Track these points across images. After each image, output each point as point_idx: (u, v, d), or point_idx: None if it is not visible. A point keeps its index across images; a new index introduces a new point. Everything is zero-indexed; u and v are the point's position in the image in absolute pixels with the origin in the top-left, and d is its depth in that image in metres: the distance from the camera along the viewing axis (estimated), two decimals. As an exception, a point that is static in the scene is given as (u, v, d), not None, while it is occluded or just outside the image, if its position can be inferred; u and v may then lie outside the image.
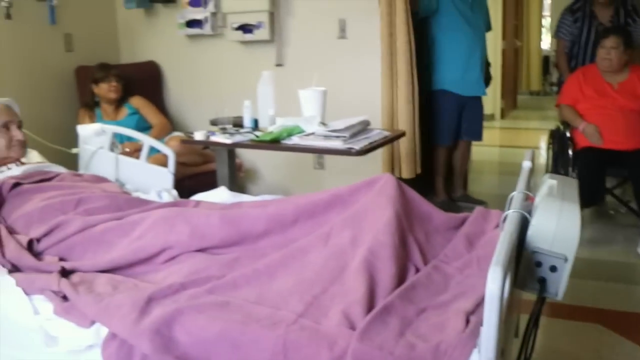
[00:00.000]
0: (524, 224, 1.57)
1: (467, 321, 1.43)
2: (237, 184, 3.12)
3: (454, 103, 4.26)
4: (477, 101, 4.38)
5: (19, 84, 3.89)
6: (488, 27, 4.52)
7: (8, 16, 3.76)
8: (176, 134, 4.12)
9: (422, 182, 3.99)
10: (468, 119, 4.36)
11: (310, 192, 3.99)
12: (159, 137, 3.68)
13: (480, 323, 1.24)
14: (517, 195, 1.72)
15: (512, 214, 1.56)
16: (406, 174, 3.84)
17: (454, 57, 4.17)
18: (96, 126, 2.90)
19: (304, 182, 4.22)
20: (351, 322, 1.45)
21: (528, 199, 1.78)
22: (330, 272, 1.65)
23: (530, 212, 1.62)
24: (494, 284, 1.17)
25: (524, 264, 1.55)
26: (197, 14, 4.23)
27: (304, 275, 1.65)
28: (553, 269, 1.54)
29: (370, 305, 1.52)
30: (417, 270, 1.74)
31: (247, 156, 4.24)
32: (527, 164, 2.02)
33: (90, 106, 4.04)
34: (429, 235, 1.92)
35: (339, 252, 1.72)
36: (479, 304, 1.49)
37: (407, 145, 3.79)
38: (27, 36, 3.97)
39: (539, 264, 1.55)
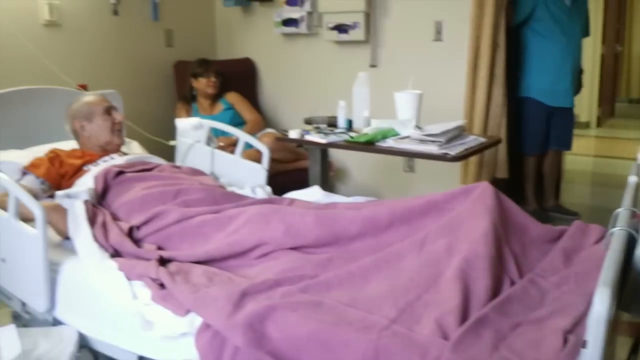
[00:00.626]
0: (630, 243, 1.50)
1: (565, 340, 1.38)
2: (327, 183, 3.13)
3: (541, 112, 4.10)
4: (566, 110, 4.20)
5: (122, 77, 4.05)
6: (586, 33, 4.33)
7: (115, 12, 3.92)
8: (269, 130, 4.18)
9: (511, 190, 3.89)
10: (557, 127, 4.19)
11: (399, 194, 4.04)
12: (252, 133, 3.73)
13: (579, 343, 1.20)
14: (623, 212, 1.65)
15: (618, 231, 1.50)
16: (487, 177, 3.76)
17: (543, 66, 4.02)
18: (194, 120, 2.98)
19: (393, 184, 4.19)
20: (444, 331, 1.43)
21: (635, 217, 1.70)
22: (425, 280, 1.63)
23: (637, 231, 1.55)
24: (602, 305, 1.12)
25: (630, 285, 1.48)
26: (294, 13, 4.28)
27: (397, 281, 1.64)
28: (662, 291, 1.48)
29: (464, 316, 1.49)
30: (512, 283, 1.70)
31: (337, 156, 4.25)
32: (633, 179, 1.93)
33: (187, 100, 4.16)
34: (525, 248, 1.87)
35: (434, 260, 1.70)
36: (578, 322, 1.45)
37: (498, 152, 3.71)
38: (131, 31, 4.14)
39: (646, 286, 1.48)
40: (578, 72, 4.30)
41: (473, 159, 3.72)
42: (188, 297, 1.65)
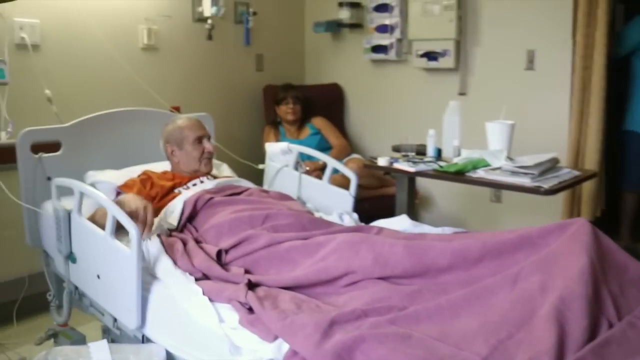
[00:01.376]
0: None
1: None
2: (413, 211, 3.10)
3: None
4: None
5: (213, 100, 4.18)
6: None
7: (209, 37, 4.05)
8: (355, 156, 4.20)
9: (605, 225, 3.74)
10: None
11: (486, 224, 3.96)
12: (338, 159, 3.76)
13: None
14: None
15: None
16: (585, 214, 3.62)
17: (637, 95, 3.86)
18: (283, 145, 3.01)
19: (480, 214, 4.12)
20: (538, 373, 1.38)
21: None
22: (518, 317, 1.58)
23: None
24: None
25: None
26: (383, 39, 4.30)
27: (489, 317, 1.60)
28: None
29: (559, 357, 1.43)
30: (610, 326, 1.62)
31: (422, 184, 4.21)
32: None
33: (275, 124, 4.24)
34: (624, 288, 1.78)
35: (528, 297, 1.64)
36: (680, 370, 1.38)
37: (592, 186, 3.58)
38: (224, 56, 4.26)
39: None
40: None
41: (567, 194, 3.62)
42: (276, 323, 1.65)
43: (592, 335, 1.55)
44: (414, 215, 2.80)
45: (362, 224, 2.45)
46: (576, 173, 2.71)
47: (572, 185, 2.68)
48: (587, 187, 3.59)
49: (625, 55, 3.90)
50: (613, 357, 1.47)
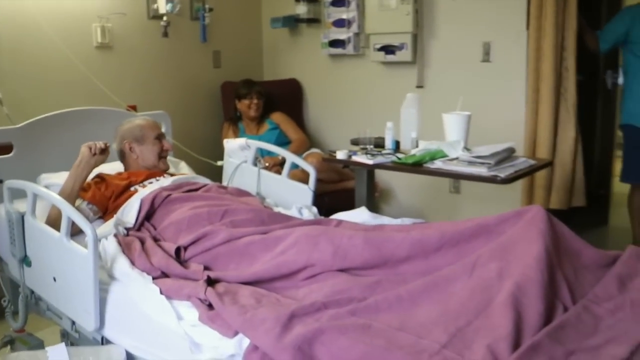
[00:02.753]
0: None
1: (623, 369, 1.34)
2: (373, 204, 3.11)
3: (637, 139, 3.74)
4: None
5: (170, 98, 4.13)
6: None
7: (165, 34, 4.01)
8: (314, 150, 4.20)
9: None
10: None
11: (445, 215, 4.00)
12: (297, 153, 3.75)
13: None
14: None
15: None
16: (557, 204, 3.69)
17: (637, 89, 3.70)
18: (241, 140, 3.00)
19: (439, 205, 4.15)
20: (496, 358, 1.39)
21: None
22: (476, 305, 1.60)
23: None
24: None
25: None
26: (341, 34, 4.30)
27: (448, 306, 1.61)
28: None
29: (516, 342, 1.45)
30: (565, 309, 1.65)
31: (382, 177, 4.23)
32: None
33: (234, 120, 4.21)
34: (578, 273, 1.82)
35: (485, 285, 1.66)
36: (634, 351, 1.41)
37: (561, 176, 3.64)
38: (181, 53, 4.22)
39: None
40: None
41: (525, 183, 3.67)
42: (237, 318, 1.65)
43: (548, 320, 1.57)
44: (373, 208, 2.81)
45: (322, 217, 2.45)
46: (532, 162, 2.75)
47: (527, 174, 2.73)
48: (541, 176, 3.65)
49: (608, 50, 3.82)
50: (568, 339, 1.49)
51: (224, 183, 3.00)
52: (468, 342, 1.48)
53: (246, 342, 1.61)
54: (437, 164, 2.64)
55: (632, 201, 3.87)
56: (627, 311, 1.62)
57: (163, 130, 2.97)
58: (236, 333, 1.65)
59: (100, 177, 2.63)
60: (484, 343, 1.44)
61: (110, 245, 2.19)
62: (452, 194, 4.10)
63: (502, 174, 2.49)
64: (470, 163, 2.55)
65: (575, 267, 1.83)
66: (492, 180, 2.49)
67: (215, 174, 3.15)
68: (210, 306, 1.78)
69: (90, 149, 2.48)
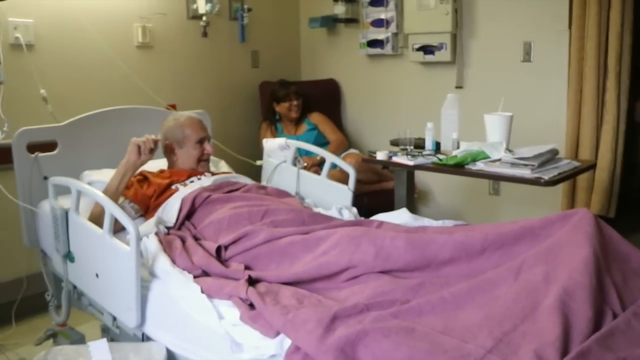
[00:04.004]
0: None
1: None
2: (413, 205, 3.09)
3: None
4: None
5: (209, 97, 4.16)
6: None
7: (204, 34, 4.03)
8: (352, 151, 4.19)
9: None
10: None
11: (485, 217, 3.94)
12: (336, 153, 3.74)
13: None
14: None
15: None
16: (596, 209, 3.61)
17: None
18: (281, 140, 3.00)
19: (478, 207, 4.10)
20: (544, 364, 1.37)
21: None
22: (522, 309, 1.57)
23: None
24: None
25: None
26: (379, 34, 4.28)
27: (493, 309, 1.59)
28: None
29: (564, 348, 1.42)
30: (615, 316, 1.61)
31: (420, 178, 4.20)
32: None
33: (272, 120, 4.22)
34: (627, 278, 1.78)
35: (531, 289, 1.63)
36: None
37: (600, 179, 3.56)
38: (219, 53, 4.24)
39: None
40: None
41: (566, 186, 3.60)
42: (278, 318, 1.64)
43: (596, 326, 1.54)
44: (413, 209, 2.78)
45: (362, 218, 2.44)
46: (576, 164, 2.69)
47: (572, 176, 2.68)
48: (583, 178, 3.57)
49: None
50: (618, 346, 1.46)
51: (263, 183, 3.00)
52: (514, 347, 1.45)
53: (287, 342, 1.60)
54: (479, 166, 2.61)
55: None
56: (679, 317, 1.57)
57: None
58: (278, 333, 1.64)
59: (143, 176, 2.65)
60: (531, 348, 1.42)
61: (151, 244, 2.20)
62: (491, 196, 4.04)
63: (546, 176, 2.45)
64: (513, 165, 2.51)
65: (624, 272, 1.79)
66: (535, 182, 2.45)
67: (254, 173, 3.15)
68: (251, 306, 1.78)
69: (139, 147, 2.49)
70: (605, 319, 1.59)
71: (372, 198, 3.72)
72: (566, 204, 3.68)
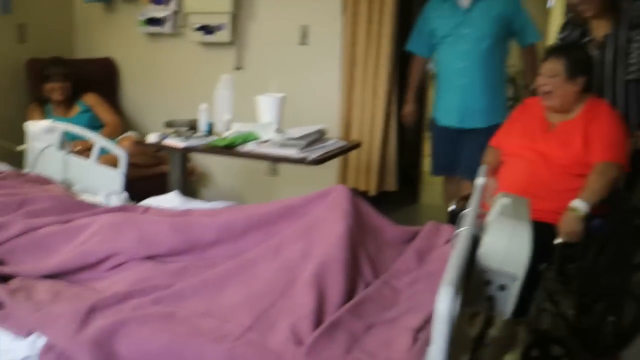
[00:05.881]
0: (475, 242, 1.57)
1: (415, 338, 1.42)
2: (190, 187, 3.06)
3: (440, 134, 3.46)
4: (473, 132, 3.32)
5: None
6: (526, 39, 3.32)
7: (-41, 3, 3.64)
8: (129, 133, 4.03)
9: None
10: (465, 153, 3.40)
11: (264, 198, 4.02)
12: (111, 137, 3.59)
13: (428, 340, 1.23)
14: (469, 213, 1.72)
15: (463, 231, 1.55)
16: (365, 187, 3.85)
17: (439, 83, 3.48)
18: (45, 123, 2.82)
19: (258, 188, 4.17)
20: (299, 337, 1.43)
21: (480, 217, 1.78)
22: (280, 286, 1.62)
23: (482, 231, 1.62)
24: (444, 303, 1.15)
25: (474, 282, 1.54)
26: (158, 12, 4.16)
27: (253, 288, 1.63)
28: (502, 287, 1.55)
29: (318, 320, 1.50)
30: (368, 285, 1.72)
31: (201, 160, 4.17)
32: (480, 181, 2.03)
33: (41, 101, 3.93)
34: (380, 249, 1.91)
35: (290, 265, 1.69)
36: (428, 320, 1.49)
37: (370, 158, 3.79)
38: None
39: (488, 283, 1.55)
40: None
41: (341, 165, 3.79)
42: (30, 316, 1.54)
43: (350, 296, 1.64)
44: (191, 192, 2.77)
45: (128, 204, 2.37)
46: (342, 143, 2.84)
47: (337, 155, 2.81)
48: (355, 157, 3.79)
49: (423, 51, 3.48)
50: (368, 313, 1.56)
51: (27, 169, 2.80)
52: (272, 323, 1.50)
53: (42, 342, 1.51)
54: (250, 147, 2.65)
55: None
56: (424, 283, 1.72)
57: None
58: (30, 332, 1.54)
59: None
60: (287, 322, 1.48)
61: None
62: (270, 177, 4.13)
63: (312, 155, 2.55)
64: (282, 145, 2.59)
65: (378, 244, 1.92)
66: (301, 161, 2.55)
67: (19, 160, 2.92)
68: (1, 305, 1.65)
69: None
70: (358, 289, 1.70)
71: (148, 182, 3.59)
72: (339, 183, 3.88)
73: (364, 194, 3.89)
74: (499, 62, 3.31)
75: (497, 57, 3.26)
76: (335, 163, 3.84)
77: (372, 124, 3.75)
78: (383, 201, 4.04)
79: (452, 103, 3.31)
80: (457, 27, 3.20)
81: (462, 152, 3.36)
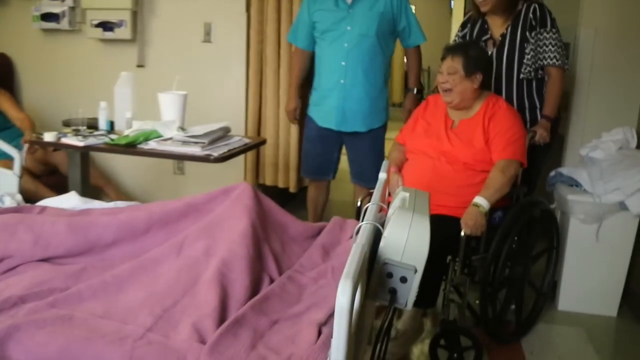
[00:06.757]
0: (377, 236, 1.60)
1: (320, 332, 1.43)
2: (89, 188, 2.96)
3: (315, 133, 3.34)
4: (355, 139, 3.26)
5: None
6: (410, 40, 3.26)
7: None
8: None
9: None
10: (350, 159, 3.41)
11: (170, 197, 3.89)
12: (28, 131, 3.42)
13: (331, 334, 1.25)
14: (371, 207, 1.75)
15: (365, 225, 1.58)
16: (284, 184, 3.86)
17: (317, 80, 3.33)
18: None
19: (164, 187, 4.10)
20: (201, 335, 1.41)
21: (382, 211, 1.81)
22: (182, 284, 1.60)
23: (383, 224, 1.65)
24: (344, 296, 1.17)
25: (376, 275, 1.57)
26: (54, 7, 4.01)
27: (155, 287, 1.59)
28: (403, 279, 1.58)
29: (222, 318, 1.49)
30: (272, 281, 1.73)
31: (105, 160, 4.05)
32: (382, 176, 2.07)
33: None
34: (285, 245, 1.92)
35: (192, 264, 1.67)
36: (331, 314, 1.50)
37: (287, 155, 3.79)
38: None
39: (389, 275, 1.58)
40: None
41: (249, 162, 3.78)
42: None
43: (255, 293, 1.63)
44: (94, 193, 2.68)
45: (24, 205, 2.27)
46: (246, 141, 2.83)
47: (242, 152, 2.80)
48: (266, 154, 3.80)
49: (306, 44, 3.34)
50: (272, 309, 1.57)
51: None
52: (174, 322, 1.48)
53: None
54: (151, 145, 2.60)
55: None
56: (329, 278, 1.74)
57: None
58: None
59: None
60: (190, 321, 1.46)
61: None
62: (176, 175, 4.07)
63: (216, 153, 2.53)
64: (185, 143, 2.56)
65: (282, 240, 1.93)
66: (205, 159, 2.52)
67: None
68: None
69: None
70: (262, 285, 1.70)
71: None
72: (250, 180, 3.87)
73: (284, 191, 3.90)
74: (382, 63, 3.19)
75: (379, 57, 3.16)
76: (241, 160, 3.83)
77: (287, 121, 3.71)
78: (294, 198, 4.07)
79: (331, 103, 3.19)
80: (339, 22, 3.09)
81: (346, 156, 3.31)
